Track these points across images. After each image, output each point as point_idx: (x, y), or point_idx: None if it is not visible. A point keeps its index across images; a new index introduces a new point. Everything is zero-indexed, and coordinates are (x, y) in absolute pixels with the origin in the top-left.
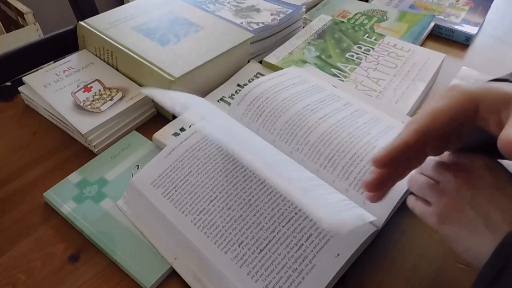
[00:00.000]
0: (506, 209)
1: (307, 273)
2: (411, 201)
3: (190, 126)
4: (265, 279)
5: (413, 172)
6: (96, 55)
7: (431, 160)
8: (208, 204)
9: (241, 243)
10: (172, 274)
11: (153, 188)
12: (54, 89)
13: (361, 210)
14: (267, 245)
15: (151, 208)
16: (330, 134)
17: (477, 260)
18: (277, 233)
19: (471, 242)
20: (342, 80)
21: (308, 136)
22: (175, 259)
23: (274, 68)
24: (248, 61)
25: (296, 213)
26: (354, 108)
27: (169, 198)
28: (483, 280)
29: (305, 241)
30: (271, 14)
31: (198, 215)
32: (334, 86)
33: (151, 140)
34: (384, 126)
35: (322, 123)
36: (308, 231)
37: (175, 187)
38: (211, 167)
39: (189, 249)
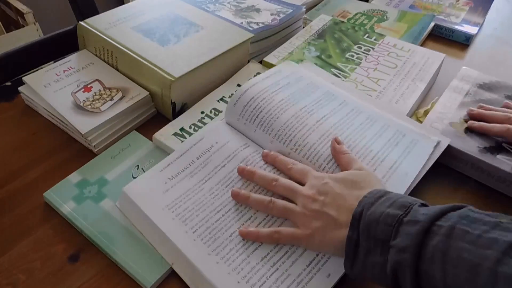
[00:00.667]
0: (348, 203)
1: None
2: (268, 233)
3: (190, 127)
4: None
5: (253, 195)
6: (96, 55)
7: (273, 176)
8: (203, 218)
9: (236, 259)
10: (172, 274)
11: (146, 198)
12: (54, 89)
13: None
14: (261, 261)
15: (143, 218)
16: (328, 137)
17: (343, 251)
18: (275, 253)
19: (336, 238)
20: (342, 80)
21: (306, 138)
22: (172, 263)
23: None
24: (248, 61)
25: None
26: (350, 107)
27: (162, 209)
28: (348, 257)
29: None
30: (271, 14)
31: (192, 227)
32: (332, 84)
33: (151, 140)
34: (379, 127)
35: (320, 126)
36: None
37: (169, 200)
38: (208, 184)
39: (183, 260)
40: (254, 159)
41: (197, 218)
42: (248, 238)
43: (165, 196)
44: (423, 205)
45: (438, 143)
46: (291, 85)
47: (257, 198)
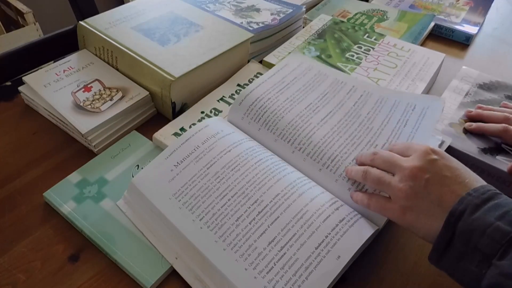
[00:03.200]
0: (455, 191)
1: (308, 276)
2: (362, 197)
3: (190, 127)
4: (267, 281)
5: (353, 165)
6: (96, 55)
7: (373, 151)
8: (209, 205)
9: (243, 244)
10: (172, 274)
11: (153, 188)
12: (54, 89)
13: (361, 223)
14: (268, 246)
15: (151, 209)
16: (332, 136)
17: (433, 240)
18: (282, 236)
19: (429, 225)
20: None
21: (311, 137)
22: (176, 258)
23: None
24: (248, 61)
25: (300, 217)
26: (359, 93)
27: (169, 198)
28: (435, 251)
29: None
30: (271, 14)
31: (199, 215)
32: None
33: (151, 140)
34: (391, 105)
35: (324, 125)
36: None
37: (176, 188)
38: (214, 168)
39: (191, 249)
40: (260, 149)
41: (204, 205)
42: (352, 198)
43: (172, 185)
44: None
45: (442, 142)
46: (298, 80)
47: (356, 168)
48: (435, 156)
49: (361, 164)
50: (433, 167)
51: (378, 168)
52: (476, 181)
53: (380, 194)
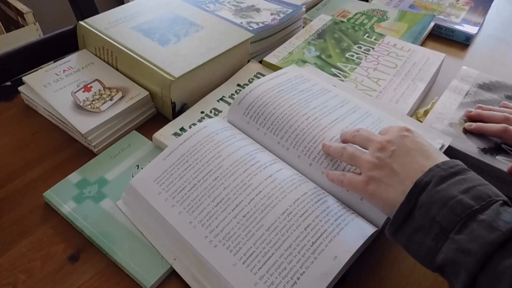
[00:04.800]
0: (419, 162)
1: (302, 274)
2: (338, 174)
3: (190, 127)
4: (259, 278)
5: (330, 142)
6: (96, 55)
7: (357, 128)
8: (207, 206)
9: (241, 246)
10: (172, 274)
11: (151, 190)
12: (54, 89)
13: (360, 224)
14: (265, 247)
15: (149, 210)
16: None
17: (392, 212)
18: (278, 237)
19: (388, 195)
20: (342, 80)
21: (309, 137)
22: (174, 259)
23: (274, 68)
24: (248, 61)
25: (296, 218)
26: (359, 113)
27: (167, 199)
28: (393, 223)
29: (306, 245)
30: (271, 14)
31: (196, 216)
32: (334, 86)
33: (151, 140)
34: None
35: (320, 120)
36: (307, 234)
37: (173, 189)
38: (211, 169)
39: (188, 251)
40: (258, 150)
41: (201, 206)
42: (328, 177)
43: (169, 186)
44: (505, 203)
45: (442, 146)
46: (297, 84)
47: (335, 145)
48: (407, 133)
49: (344, 140)
50: (402, 141)
51: (358, 145)
52: (444, 157)
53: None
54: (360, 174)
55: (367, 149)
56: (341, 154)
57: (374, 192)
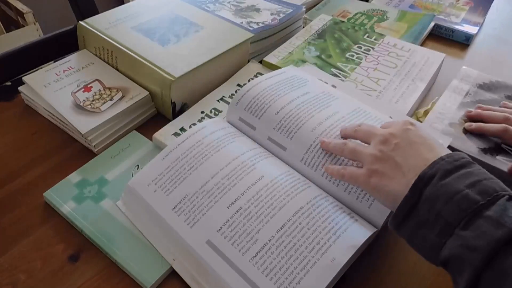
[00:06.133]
0: (422, 154)
1: (303, 276)
2: (338, 169)
3: (190, 127)
4: (261, 284)
5: (330, 139)
6: (96, 55)
7: (354, 124)
8: (206, 206)
9: (240, 247)
10: (172, 274)
11: (150, 190)
12: (54, 89)
13: (359, 225)
14: (265, 248)
15: (148, 210)
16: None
17: (395, 205)
18: (276, 238)
19: (390, 187)
20: (342, 80)
21: (307, 137)
22: (174, 260)
23: (274, 68)
24: (248, 61)
25: (294, 220)
26: (352, 108)
27: (166, 199)
28: (397, 216)
29: (308, 247)
30: (271, 14)
31: (195, 217)
32: (334, 86)
33: (151, 140)
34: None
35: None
36: (309, 236)
37: (172, 188)
38: (210, 169)
39: (186, 252)
40: (258, 150)
41: (200, 207)
42: (328, 171)
43: (168, 186)
44: (511, 198)
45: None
46: (294, 84)
47: (336, 141)
48: (410, 127)
49: (344, 136)
50: (405, 134)
51: (360, 140)
52: (447, 151)
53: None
54: (361, 167)
55: (369, 144)
56: (342, 150)
57: (376, 185)
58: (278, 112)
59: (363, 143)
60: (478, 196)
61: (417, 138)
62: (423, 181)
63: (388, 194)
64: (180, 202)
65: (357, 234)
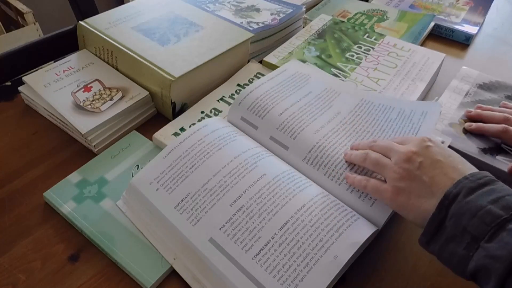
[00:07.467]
0: (447, 173)
1: (306, 274)
2: (360, 178)
3: (190, 127)
4: (264, 281)
5: (352, 149)
6: (96, 55)
7: (373, 139)
8: (208, 204)
9: (242, 245)
10: (172, 274)
11: (152, 188)
12: (54, 89)
13: (360, 223)
14: (268, 246)
15: (150, 208)
16: (331, 137)
17: (424, 223)
18: (279, 235)
19: (419, 207)
20: (342, 80)
21: (310, 138)
22: (174, 259)
23: (274, 68)
24: (248, 61)
25: (297, 217)
26: (357, 101)
27: (168, 198)
28: (425, 233)
29: (310, 245)
30: (271, 14)
31: (197, 215)
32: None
33: (151, 140)
34: (396, 113)
35: (323, 128)
36: (311, 234)
37: (174, 187)
38: (212, 167)
39: (189, 250)
40: (259, 149)
41: (203, 205)
42: (348, 180)
43: (170, 184)
44: None
45: (442, 143)
46: (297, 84)
47: (356, 152)
48: (430, 143)
49: (361, 146)
50: (427, 152)
51: (377, 151)
52: (470, 168)
53: (377, 178)
54: (383, 181)
55: (389, 157)
56: (364, 159)
57: (405, 204)
58: (281, 113)
59: (384, 156)
60: (501, 211)
61: (439, 156)
62: (448, 199)
63: (418, 213)
64: (182, 200)
65: (360, 231)
